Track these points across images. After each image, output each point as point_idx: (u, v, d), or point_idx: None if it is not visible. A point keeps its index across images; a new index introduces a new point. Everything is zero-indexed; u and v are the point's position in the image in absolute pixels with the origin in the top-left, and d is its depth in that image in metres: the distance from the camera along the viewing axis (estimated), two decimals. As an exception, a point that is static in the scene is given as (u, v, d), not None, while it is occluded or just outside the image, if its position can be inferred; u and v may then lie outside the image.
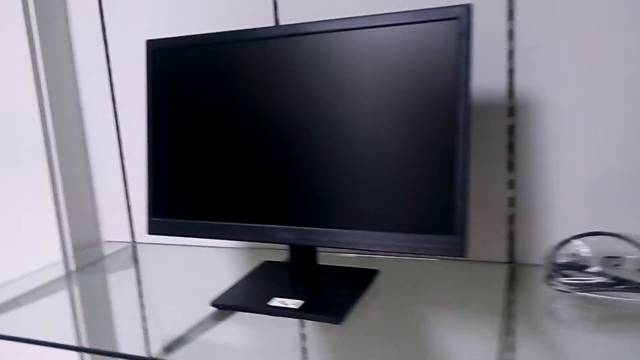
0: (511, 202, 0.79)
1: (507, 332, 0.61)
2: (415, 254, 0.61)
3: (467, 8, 0.59)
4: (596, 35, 0.70)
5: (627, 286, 0.66)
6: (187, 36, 0.72)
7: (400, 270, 0.80)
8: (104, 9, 0.98)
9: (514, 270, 0.78)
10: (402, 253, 0.65)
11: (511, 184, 0.78)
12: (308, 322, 0.65)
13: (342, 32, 0.64)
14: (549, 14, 0.72)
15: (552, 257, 0.70)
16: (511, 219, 0.79)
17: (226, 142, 0.70)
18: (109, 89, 1.00)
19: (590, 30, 0.70)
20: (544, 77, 0.74)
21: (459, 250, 0.60)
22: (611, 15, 0.69)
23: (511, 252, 0.80)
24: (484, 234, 0.80)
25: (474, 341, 0.59)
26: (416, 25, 0.61)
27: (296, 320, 0.65)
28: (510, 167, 0.78)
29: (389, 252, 0.63)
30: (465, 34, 0.59)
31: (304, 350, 0.59)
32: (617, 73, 0.70)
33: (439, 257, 0.62)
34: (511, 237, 0.80)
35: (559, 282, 0.68)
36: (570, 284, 0.68)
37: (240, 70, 0.69)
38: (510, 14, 0.74)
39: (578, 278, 0.68)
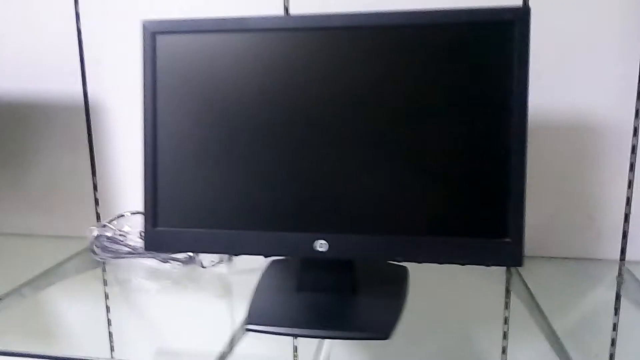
0: (95, 187, 0.95)
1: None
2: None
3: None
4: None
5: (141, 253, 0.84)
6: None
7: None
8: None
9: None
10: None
11: (94, 172, 0.94)
12: None
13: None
14: (111, 36, 0.88)
15: (97, 231, 0.86)
16: (97, 202, 0.95)
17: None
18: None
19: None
20: (109, 85, 0.90)
21: None
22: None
23: (100, 230, 0.95)
24: (75, 215, 0.95)
25: None
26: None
27: None
28: (92, 158, 0.94)
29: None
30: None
31: None
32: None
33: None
34: (98, 217, 0.95)
35: (99, 252, 0.85)
36: (107, 253, 0.85)
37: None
38: (79, 33, 0.89)
39: (113, 248, 0.85)
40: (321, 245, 0.64)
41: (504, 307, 0.81)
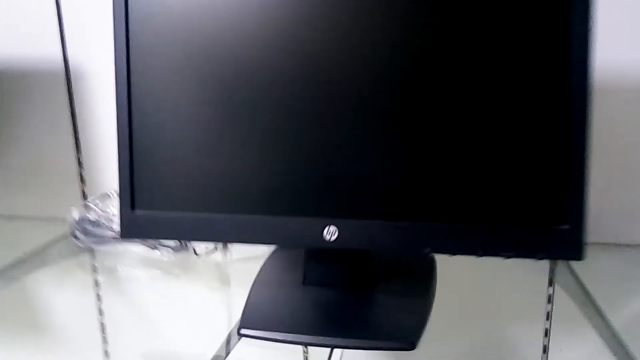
0: (80, 163, 0.84)
1: None
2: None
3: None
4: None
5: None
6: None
7: None
8: None
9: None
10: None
11: (78, 147, 0.83)
12: None
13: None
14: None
15: (78, 213, 0.76)
16: (82, 180, 0.84)
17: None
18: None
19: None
20: (92, 47, 0.79)
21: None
22: None
23: (88, 211, 0.85)
24: (59, 195, 0.85)
25: None
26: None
27: None
28: (75, 131, 0.83)
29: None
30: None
31: None
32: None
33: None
34: (85, 196, 0.85)
35: (81, 237, 0.75)
36: (90, 238, 0.75)
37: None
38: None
39: (96, 232, 0.74)
40: (330, 233, 0.52)
41: (546, 300, 0.69)
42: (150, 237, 0.63)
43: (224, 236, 0.56)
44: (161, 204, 0.56)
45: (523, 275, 0.67)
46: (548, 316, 0.68)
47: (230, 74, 0.53)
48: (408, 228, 0.51)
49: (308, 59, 0.51)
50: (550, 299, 0.70)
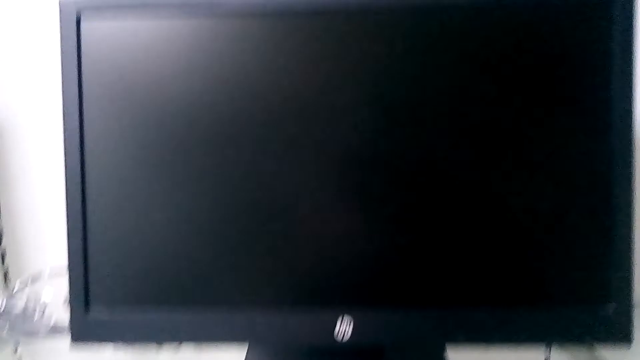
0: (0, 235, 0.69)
1: None
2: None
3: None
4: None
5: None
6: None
7: None
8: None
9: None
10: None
11: (-3, 216, 0.68)
12: None
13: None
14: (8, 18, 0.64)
15: (3, 304, 0.61)
16: (2, 255, 0.69)
17: None
18: None
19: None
20: (8, 90, 0.66)
21: None
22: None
23: (10, 293, 0.70)
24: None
25: None
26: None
27: None
28: (-6, 196, 0.68)
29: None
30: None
31: None
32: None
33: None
34: (6, 277, 0.70)
35: (8, 332, 0.60)
36: (16, 333, 0.60)
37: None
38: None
39: (24, 326, 0.60)
40: (343, 330, 0.43)
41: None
42: (110, 341, 0.50)
43: (207, 336, 0.45)
44: (122, 301, 0.45)
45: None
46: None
47: (203, 133, 0.44)
48: (437, 316, 0.43)
49: (298, 110, 0.43)
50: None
